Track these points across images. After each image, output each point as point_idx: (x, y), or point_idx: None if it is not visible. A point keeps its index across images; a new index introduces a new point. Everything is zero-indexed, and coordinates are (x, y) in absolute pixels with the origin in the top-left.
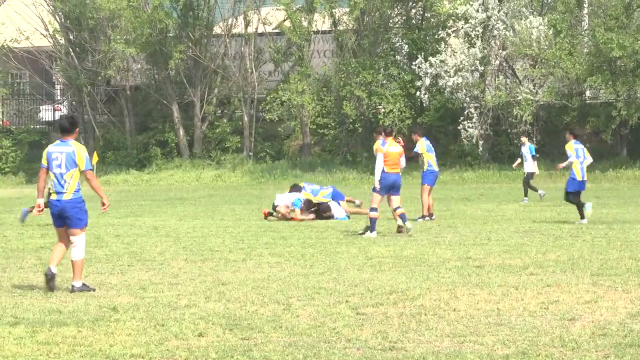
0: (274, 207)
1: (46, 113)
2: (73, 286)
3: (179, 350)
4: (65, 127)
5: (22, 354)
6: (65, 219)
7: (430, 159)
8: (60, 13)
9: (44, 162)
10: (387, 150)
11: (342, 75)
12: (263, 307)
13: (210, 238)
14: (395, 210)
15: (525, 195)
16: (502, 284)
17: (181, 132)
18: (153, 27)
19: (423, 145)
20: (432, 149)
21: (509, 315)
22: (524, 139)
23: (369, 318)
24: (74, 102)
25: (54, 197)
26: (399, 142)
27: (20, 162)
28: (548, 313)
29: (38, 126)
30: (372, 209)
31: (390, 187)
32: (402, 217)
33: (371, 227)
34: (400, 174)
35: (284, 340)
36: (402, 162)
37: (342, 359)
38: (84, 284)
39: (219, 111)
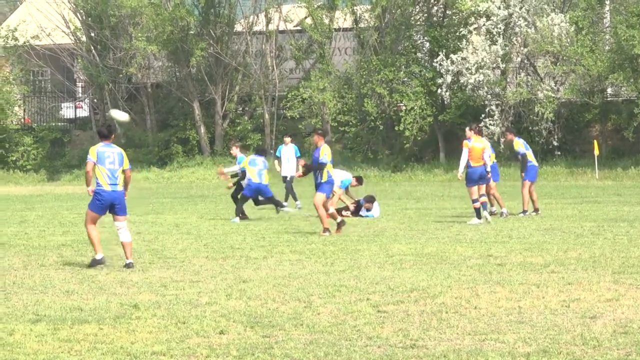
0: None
1: (67, 110)
2: (130, 263)
3: (200, 348)
4: (104, 134)
5: (43, 351)
6: (115, 207)
7: (528, 155)
8: (81, 10)
9: (94, 157)
10: (473, 146)
11: (364, 73)
12: (284, 305)
13: (231, 235)
14: (480, 196)
15: None
16: (523, 282)
17: (202, 129)
18: (174, 24)
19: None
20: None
21: (530, 313)
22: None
23: (390, 316)
24: (95, 100)
25: (108, 188)
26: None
27: (42, 159)
28: (569, 311)
29: (59, 124)
30: (474, 201)
31: (478, 179)
32: (483, 205)
33: (477, 215)
34: (484, 166)
35: (305, 337)
36: (486, 156)
37: (363, 357)
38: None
39: (240, 109)
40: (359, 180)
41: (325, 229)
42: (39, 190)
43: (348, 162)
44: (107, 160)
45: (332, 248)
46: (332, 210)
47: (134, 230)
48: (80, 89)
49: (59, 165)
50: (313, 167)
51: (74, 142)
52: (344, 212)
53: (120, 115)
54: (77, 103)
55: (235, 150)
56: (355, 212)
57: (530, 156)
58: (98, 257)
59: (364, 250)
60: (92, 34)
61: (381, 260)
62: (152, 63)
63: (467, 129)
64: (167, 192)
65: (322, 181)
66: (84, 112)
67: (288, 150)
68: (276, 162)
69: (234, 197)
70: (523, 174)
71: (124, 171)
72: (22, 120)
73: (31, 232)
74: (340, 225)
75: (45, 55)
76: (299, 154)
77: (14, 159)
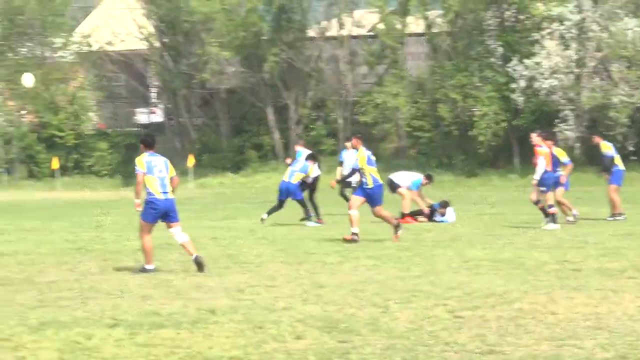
0: (396, 187)
1: (142, 116)
2: (198, 256)
3: (277, 353)
4: (150, 143)
5: (121, 355)
6: (169, 214)
7: (616, 159)
8: (154, 16)
9: (143, 168)
10: (547, 152)
11: (437, 78)
12: (360, 310)
13: (306, 241)
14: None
15: None
16: (601, 288)
17: (276, 134)
18: (247, 30)
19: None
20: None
21: (607, 319)
22: None
23: (467, 321)
24: (169, 105)
25: (161, 197)
26: None
27: (117, 164)
28: None
29: (134, 129)
30: (550, 206)
31: (553, 185)
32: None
33: (553, 220)
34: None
35: (382, 343)
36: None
37: None
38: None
39: (314, 114)
40: (429, 178)
41: (396, 227)
42: (114, 195)
43: (422, 167)
44: (156, 169)
45: (407, 253)
46: (355, 213)
47: (209, 235)
48: (154, 95)
49: (133, 170)
50: (348, 176)
51: None
52: (420, 218)
53: (28, 81)
54: (151, 109)
55: (298, 148)
56: (429, 217)
57: (618, 160)
58: (149, 267)
59: (439, 255)
60: (165, 40)
61: (457, 266)
62: (226, 69)
63: (534, 135)
64: (242, 197)
65: (368, 187)
66: (158, 117)
67: (350, 155)
68: (339, 167)
69: (310, 199)
70: (609, 177)
71: (171, 178)
72: (97, 125)
73: (107, 237)
74: (353, 235)
75: (119, 61)
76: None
77: (90, 164)
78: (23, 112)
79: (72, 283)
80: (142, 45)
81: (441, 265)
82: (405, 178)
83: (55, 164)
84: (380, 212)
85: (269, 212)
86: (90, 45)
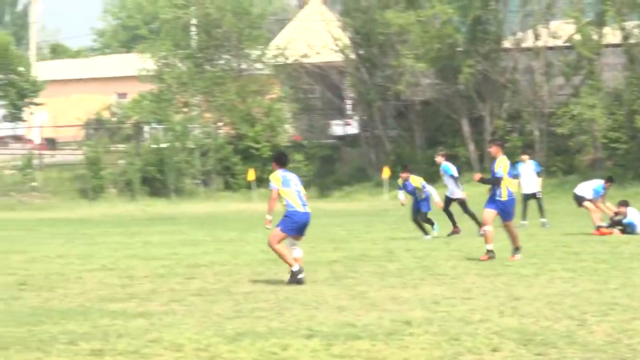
0: (580, 201)
1: (337, 128)
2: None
3: None
4: (284, 161)
5: None
6: (305, 229)
7: None
8: (349, 29)
9: (278, 184)
10: None
11: (634, 89)
12: (557, 323)
13: (502, 253)
14: None
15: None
16: None
17: (471, 146)
18: (442, 41)
19: None
20: None
21: None
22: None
23: None
24: (364, 117)
25: (301, 209)
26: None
27: (313, 176)
28: None
29: (330, 141)
30: None
31: None
32: None
33: None
34: None
35: (579, 356)
36: None
37: None
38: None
39: (509, 125)
40: (610, 179)
41: (516, 249)
42: (309, 207)
43: (619, 179)
44: (292, 183)
45: (604, 266)
46: (490, 229)
47: (403, 247)
48: (349, 107)
49: (329, 182)
50: (490, 181)
51: (344, 159)
52: (615, 232)
53: None
54: (346, 120)
55: (439, 159)
56: (618, 224)
57: None
58: (295, 269)
59: (636, 268)
60: (361, 52)
61: None
62: (421, 80)
63: None
64: (437, 209)
65: (502, 199)
66: (353, 129)
67: (527, 168)
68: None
69: (445, 210)
70: None
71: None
72: (292, 137)
73: (302, 248)
74: (489, 253)
75: (315, 73)
76: (539, 169)
77: None
78: (220, 124)
79: (268, 294)
80: (338, 58)
81: (639, 278)
82: (587, 188)
83: (251, 175)
84: (511, 227)
85: (423, 228)
86: (286, 58)
